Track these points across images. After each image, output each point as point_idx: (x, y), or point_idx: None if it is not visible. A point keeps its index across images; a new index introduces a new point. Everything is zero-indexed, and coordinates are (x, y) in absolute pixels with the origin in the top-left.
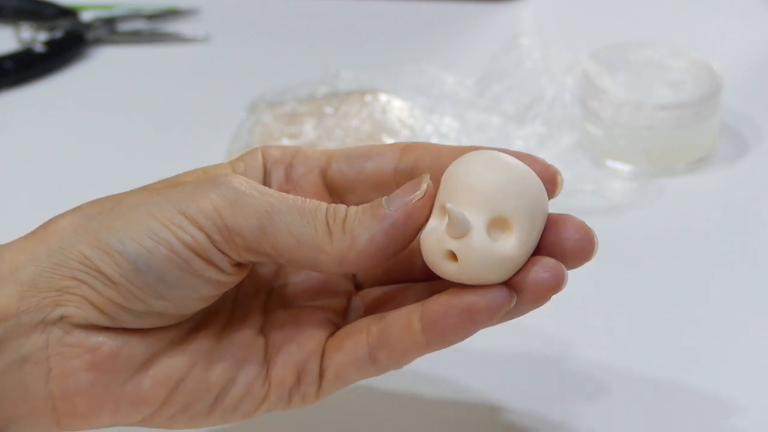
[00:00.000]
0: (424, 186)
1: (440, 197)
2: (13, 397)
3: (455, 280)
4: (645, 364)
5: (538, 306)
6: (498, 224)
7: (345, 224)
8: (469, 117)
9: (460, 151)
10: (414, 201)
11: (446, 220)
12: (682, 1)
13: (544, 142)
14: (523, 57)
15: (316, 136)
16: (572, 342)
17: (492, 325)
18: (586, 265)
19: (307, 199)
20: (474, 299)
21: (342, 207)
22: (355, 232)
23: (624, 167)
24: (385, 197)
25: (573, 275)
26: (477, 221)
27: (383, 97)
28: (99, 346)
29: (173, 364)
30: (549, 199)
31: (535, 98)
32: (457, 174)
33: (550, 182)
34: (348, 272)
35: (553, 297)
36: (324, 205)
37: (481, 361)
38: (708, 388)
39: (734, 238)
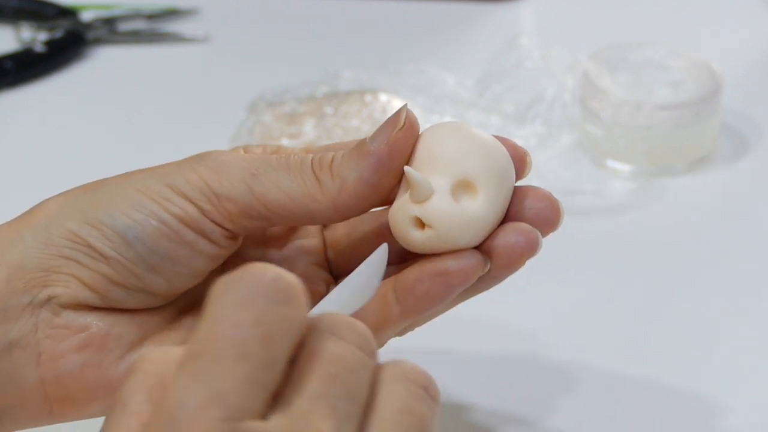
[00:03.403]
0: (403, 116)
1: None
2: (3, 385)
3: (423, 250)
4: (645, 364)
5: (513, 271)
6: (463, 187)
7: (332, 168)
8: (469, 117)
9: None
10: (395, 133)
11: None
12: (682, 1)
13: (544, 142)
14: (523, 57)
15: (316, 136)
16: (570, 342)
17: (465, 289)
18: (586, 264)
19: (291, 155)
20: (446, 263)
21: (328, 153)
22: (344, 174)
23: (624, 167)
24: (369, 136)
25: (573, 275)
26: (441, 185)
27: (383, 97)
28: (88, 326)
29: (165, 343)
30: (518, 178)
31: (535, 98)
32: (422, 143)
33: (520, 162)
34: (345, 217)
35: (552, 296)
36: (309, 156)
37: (477, 364)
38: (707, 388)
39: (734, 238)
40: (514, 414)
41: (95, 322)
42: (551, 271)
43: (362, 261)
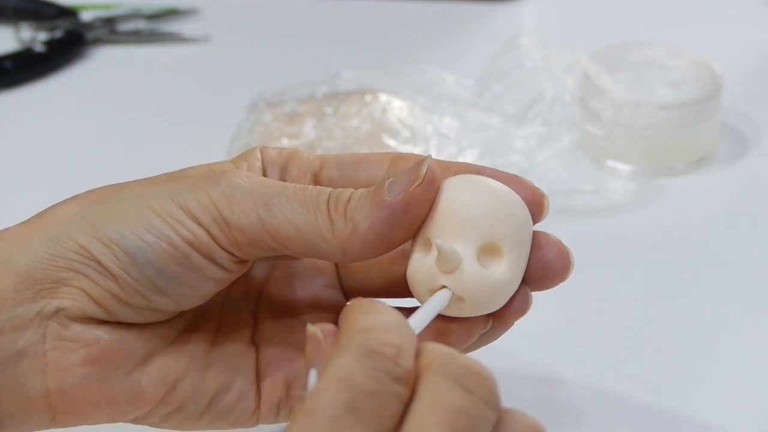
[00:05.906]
0: (423, 171)
1: (425, 229)
2: (8, 392)
3: (451, 315)
4: (644, 364)
5: (504, 332)
6: (488, 251)
7: (347, 211)
8: (469, 117)
9: (447, 165)
10: (413, 188)
11: (433, 253)
12: (682, 1)
13: (544, 142)
14: (523, 57)
15: (316, 136)
16: (568, 342)
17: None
18: (585, 264)
19: (309, 187)
20: (449, 324)
21: (346, 192)
22: (357, 220)
23: (624, 167)
24: (389, 180)
25: (572, 275)
26: (467, 251)
27: (383, 97)
28: (97, 341)
29: (171, 362)
30: (535, 222)
31: (535, 98)
32: (442, 201)
33: (537, 206)
34: (353, 260)
35: (550, 296)
36: (327, 191)
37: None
38: (707, 389)
39: (734, 238)
40: None
41: (104, 336)
42: None
43: (375, 285)
